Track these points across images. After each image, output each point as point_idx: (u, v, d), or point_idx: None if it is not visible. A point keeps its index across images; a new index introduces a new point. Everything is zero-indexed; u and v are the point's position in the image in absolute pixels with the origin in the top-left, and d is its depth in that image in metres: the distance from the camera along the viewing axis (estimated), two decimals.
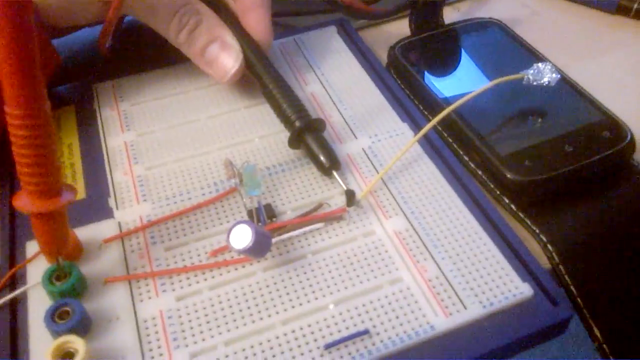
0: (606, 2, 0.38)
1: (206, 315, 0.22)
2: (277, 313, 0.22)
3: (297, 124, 0.27)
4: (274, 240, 0.24)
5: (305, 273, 0.23)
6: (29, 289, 0.23)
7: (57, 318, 0.22)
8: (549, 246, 0.25)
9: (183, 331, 0.22)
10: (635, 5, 0.37)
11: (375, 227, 0.25)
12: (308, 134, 0.27)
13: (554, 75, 0.29)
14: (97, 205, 0.26)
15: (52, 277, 0.23)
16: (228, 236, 0.22)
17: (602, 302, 0.24)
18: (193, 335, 0.22)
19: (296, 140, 0.27)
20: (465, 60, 0.33)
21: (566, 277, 0.24)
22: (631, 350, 0.24)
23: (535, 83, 0.29)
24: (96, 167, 0.28)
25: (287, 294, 0.23)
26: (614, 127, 0.28)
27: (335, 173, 0.26)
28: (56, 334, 0.21)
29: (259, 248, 0.22)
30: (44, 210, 0.21)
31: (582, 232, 0.25)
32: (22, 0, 0.18)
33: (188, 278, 0.23)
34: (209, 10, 0.30)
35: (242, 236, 0.22)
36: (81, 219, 0.26)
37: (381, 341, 0.21)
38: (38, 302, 0.23)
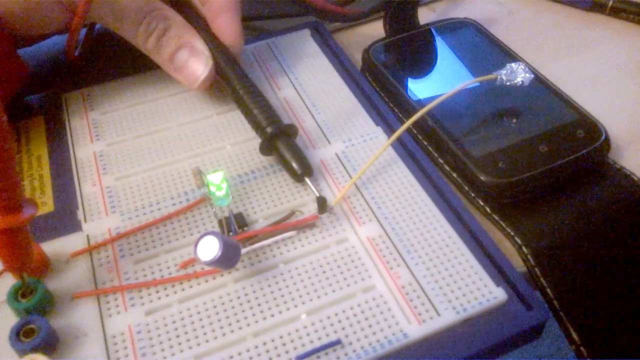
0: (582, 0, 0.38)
1: (176, 329, 0.22)
2: (249, 325, 0.22)
3: (269, 130, 0.27)
4: (245, 250, 0.24)
5: (277, 283, 0.23)
6: None
7: (22, 336, 0.21)
8: (524, 248, 0.25)
9: (152, 346, 0.21)
10: (611, 2, 0.37)
11: (349, 234, 0.25)
12: (280, 140, 0.27)
13: (527, 75, 0.28)
14: (66, 218, 0.26)
15: (18, 294, 0.22)
16: (195, 248, 0.21)
17: (578, 303, 0.24)
18: (162, 350, 0.21)
19: (267, 147, 0.27)
20: (440, 61, 0.33)
21: (542, 279, 0.24)
22: (609, 351, 0.24)
23: (508, 83, 0.29)
24: (65, 178, 0.28)
25: (259, 305, 0.22)
26: (589, 126, 0.28)
27: (307, 180, 0.26)
28: (22, 352, 0.21)
29: (228, 259, 0.22)
30: (4, 227, 0.20)
31: (558, 233, 0.25)
32: None
33: (157, 291, 0.23)
34: (178, 15, 0.29)
35: (210, 248, 0.21)
36: (49, 232, 0.25)
37: (354, 351, 0.21)
38: (4, 320, 0.22)
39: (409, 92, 0.31)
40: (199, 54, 0.29)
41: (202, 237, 0.22)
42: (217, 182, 0.23)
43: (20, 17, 0.27)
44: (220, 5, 0.29)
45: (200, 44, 0.29)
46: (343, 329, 0.22)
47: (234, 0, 0.29)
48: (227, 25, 0.29)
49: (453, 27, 0.35)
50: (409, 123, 0.27)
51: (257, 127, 0.27)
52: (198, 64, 0.29)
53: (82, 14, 0.27)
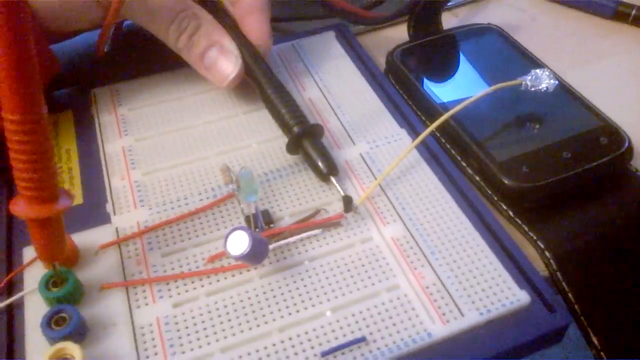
0: (604, 8, 0.38)
1: (203, 321, 0.22)
2: (274, 320, 0.22)
3: (296, 129, 0.27)
4: (271, 246, 0.24)
5: (302, 280, 0.23)
6: (25, 295, 0.23)
7: (53, 324, 0.21)
8: (547, 252, 0.25)
9: (180, 338, 0.22)
10: (634, 12, 0.37)
11: (373, 234, 0.25)
12: (306, 140, 0.27)
13: (551, 81, 0.29)
14: (95, 210, 0.26)
15: (49, 283, 0.23)
16: (225, 242, 0.22)
17: (599, 308, 0.24)
18: (190, 342, 0.22)
19: (294, 146, 0.27)
20: (463, 66, 0.33)
21: (563, 283, 0.24)
22: (629, 357, 0.24)
23: (533, 89, 0.29)
24: (94, 172, 0.28)
25: (284, 300, 0.23)
26: (612, 134, 0.28)
27: (333, 179, 0.26)
28: (52, 340, 0.21)
29: (256, 254, 0.22)
30: (41, 216, 0.21)
31: (580, 238, 0.25)
32: (19, 4, 0.18)
33: (185, 284, 0.23)
34: (208, 15, 0.30)
35: (239, 242, 0.22)
36: (78, 224, 0.26)
37: (378, 348, 0.21)
38: (35, 308, 0.23)
39: (432, 95, 0.31)
40: (229, 53, 0.29)
41: (231, 231, 0.22)
42: (247, 177, 0.23)
43: (55, 13, 0.28)
44: (249, 5, 0.30)
45: (229, 43, 0.29)
46: (367, 326, 0.22)
47: (264, 1, 0.30)
48: (256, 25, 0.30)
49: (476, 33, 0.35)
50: (434, 126, 0.27)
51: (284, 126, 0.28)
52: (227, 63, 0.29)
53: (115, 12, 0.28)
